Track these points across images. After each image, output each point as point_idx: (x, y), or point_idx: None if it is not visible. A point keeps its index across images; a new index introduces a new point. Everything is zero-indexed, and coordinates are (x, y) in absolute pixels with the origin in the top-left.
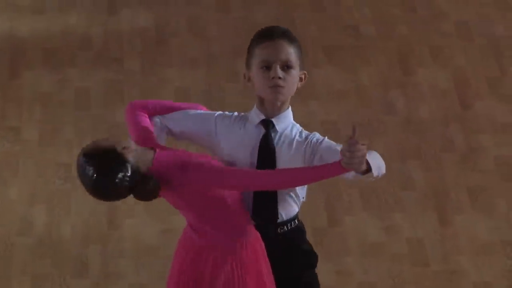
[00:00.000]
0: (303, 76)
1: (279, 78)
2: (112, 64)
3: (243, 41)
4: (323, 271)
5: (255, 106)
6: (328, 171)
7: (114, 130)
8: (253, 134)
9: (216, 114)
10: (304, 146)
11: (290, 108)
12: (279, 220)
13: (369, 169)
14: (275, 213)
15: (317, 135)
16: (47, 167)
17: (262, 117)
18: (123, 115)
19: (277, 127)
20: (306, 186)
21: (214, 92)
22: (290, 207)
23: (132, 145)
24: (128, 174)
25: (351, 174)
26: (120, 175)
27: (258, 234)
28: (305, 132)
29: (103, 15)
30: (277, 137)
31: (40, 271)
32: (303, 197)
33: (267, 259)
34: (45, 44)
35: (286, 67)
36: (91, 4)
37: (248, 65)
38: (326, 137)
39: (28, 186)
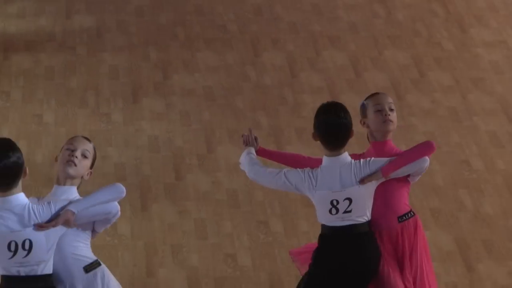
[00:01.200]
0: None
1: None
2: (69, 50)
3: None
4: None
5: None
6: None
7: (70, 92)
8: None
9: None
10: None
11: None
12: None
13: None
14: None
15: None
16: (29, 116)
17: None
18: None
19: None
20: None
21: None
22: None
23: None
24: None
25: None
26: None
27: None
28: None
29: (63, 19)
30: None
31: None
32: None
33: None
34: (26, 38)
35: None
36: (55, 11)
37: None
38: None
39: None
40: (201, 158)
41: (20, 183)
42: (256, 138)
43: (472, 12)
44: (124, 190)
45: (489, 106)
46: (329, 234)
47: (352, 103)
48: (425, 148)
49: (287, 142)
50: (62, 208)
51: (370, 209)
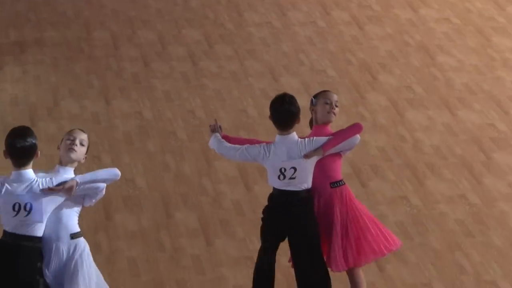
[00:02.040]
0: None
1: None
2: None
3: None
4: None
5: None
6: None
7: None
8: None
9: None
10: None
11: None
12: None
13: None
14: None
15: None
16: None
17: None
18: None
19: None
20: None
21: None
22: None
23: None
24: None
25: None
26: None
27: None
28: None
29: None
30: None
31: None
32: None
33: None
34: None
35: None
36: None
37: None
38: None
39: None
40: None
41: (31, 162)
42: (220, 126)
43: None
44: (120, 174)
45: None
46: (276, 194)
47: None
48: (355, 128)
49: None
50: (61, 182)
51: (311, 179)
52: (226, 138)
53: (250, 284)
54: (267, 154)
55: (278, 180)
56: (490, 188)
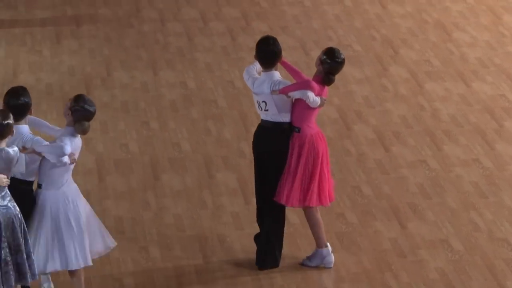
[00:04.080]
0: None
1: None
2: None
3: None
4: None
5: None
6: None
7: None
8: None
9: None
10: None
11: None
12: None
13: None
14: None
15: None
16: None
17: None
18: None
19: None
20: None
21: None
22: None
23: None
24: None
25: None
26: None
27: None
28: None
29: None
30: None
31: None
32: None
33: None
34: None
35: None
36: None
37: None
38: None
39: None
40: None
41: (26, 118)
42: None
43: None
44: (65, 155)
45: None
46: (261, 123)
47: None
48: (302, 84)
49: None
50: (29, 141)
51: (287, 116)
52: (290, 69)
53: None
54: (252, 86)
55: (258, 110)
56: (502, 153)
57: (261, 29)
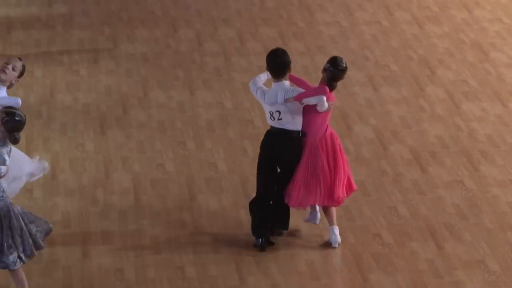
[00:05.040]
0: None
1: None
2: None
3: None
4: None
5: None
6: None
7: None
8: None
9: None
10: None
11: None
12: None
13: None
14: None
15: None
16: None
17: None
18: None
19: None
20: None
21: None
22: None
23: None
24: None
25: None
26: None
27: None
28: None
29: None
30: None
31: None
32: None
33: None
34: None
35: None
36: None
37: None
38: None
39: None
40: None
41: (4, 90)
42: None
43: None
44: (19, 103)
45: None
46: (272, 131)
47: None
48: (319, 90)
49: None
50: None
51: (299, 123)
52: (296, 80)
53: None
54: (263, 98)
55: (270, 120)
56: None
57: (298, 49)
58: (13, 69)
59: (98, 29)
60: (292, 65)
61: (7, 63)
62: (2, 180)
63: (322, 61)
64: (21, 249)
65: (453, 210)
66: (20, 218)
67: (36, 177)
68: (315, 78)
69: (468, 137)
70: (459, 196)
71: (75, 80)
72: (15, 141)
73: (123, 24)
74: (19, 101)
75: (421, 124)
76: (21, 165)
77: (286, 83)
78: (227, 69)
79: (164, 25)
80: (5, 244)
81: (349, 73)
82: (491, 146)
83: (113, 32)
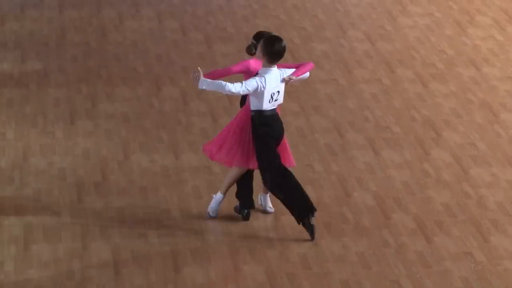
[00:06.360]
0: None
1: None
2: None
3: None
4: None
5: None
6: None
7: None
8: None
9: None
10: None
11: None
12: None
13: None
14: None
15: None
16: None
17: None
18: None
19: None
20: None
21: None
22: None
23: None
24: None
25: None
26: None
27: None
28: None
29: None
30: None
31: None
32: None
33: None
34: None
35: None
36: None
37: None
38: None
39: None
40: None
41: None
42: (199, 71)
43: None
44: None
45: None
46: (269, 114)
47: None
48: (309, 66)
49: None
50: None
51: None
52: (211, 76)
53: None
54: (264, 85)
55: (268, 103)
56: None
57: (292, 109)
58: None
59: (75, 87)
60: (285, 126)
61: None
62: None
63: (318, 122)
64: None
65: (461, 285)
66: None
67: None
68: (310, 141)
69: (477, 205)
70: (468, 269)
71: (50, 142)
72: None
73: (102, 82)
74: None
75: (425, 191)
76: None
77: (275, 67)
78: (215, 131)
79: (147, 83)
80: None
81: (348, 136)
82: (502, 215)
83: (91, 90)
